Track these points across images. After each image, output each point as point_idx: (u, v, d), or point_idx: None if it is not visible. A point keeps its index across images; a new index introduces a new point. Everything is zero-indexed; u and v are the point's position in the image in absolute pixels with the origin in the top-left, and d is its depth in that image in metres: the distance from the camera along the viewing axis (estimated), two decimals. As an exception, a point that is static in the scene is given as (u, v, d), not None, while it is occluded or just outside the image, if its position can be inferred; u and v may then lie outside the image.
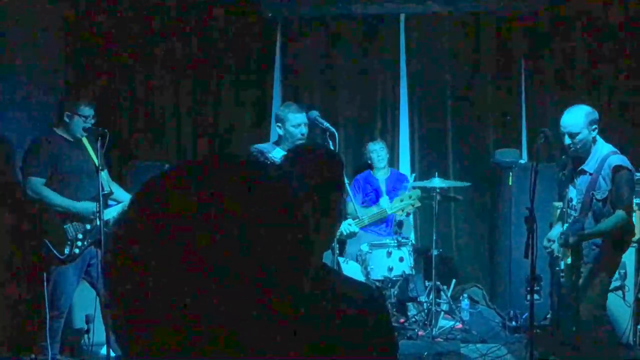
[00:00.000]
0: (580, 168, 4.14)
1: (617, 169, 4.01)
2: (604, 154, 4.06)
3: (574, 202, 4.20)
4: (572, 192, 4.23)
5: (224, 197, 0.75)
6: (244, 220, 0.74)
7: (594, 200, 4.06)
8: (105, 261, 0.78)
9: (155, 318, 0.72)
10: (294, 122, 4.24)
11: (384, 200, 5.79)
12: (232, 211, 0.74)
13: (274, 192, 0.79)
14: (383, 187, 6.06)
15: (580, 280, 4.10)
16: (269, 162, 0.86)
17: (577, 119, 4.03)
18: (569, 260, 4.14)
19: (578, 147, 4.04)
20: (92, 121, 4.53)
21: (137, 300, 0.73)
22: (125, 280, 0.74)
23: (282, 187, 0.80)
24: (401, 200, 5.37)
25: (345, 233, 4.56)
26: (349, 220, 4.73)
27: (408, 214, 5.83)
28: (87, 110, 4.51)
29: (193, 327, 0.71)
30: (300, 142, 4.16)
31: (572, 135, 4.02)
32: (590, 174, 4.07)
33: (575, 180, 4.20)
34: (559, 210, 4.70)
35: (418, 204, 5.41)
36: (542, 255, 4.32)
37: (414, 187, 5.62)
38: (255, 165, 0.82)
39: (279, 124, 4.31)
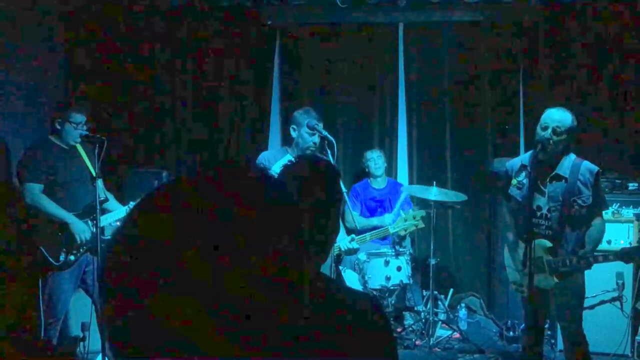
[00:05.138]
0: (554, 173, 3.91)
1: (598, 173, 3.91)
2: (573, 159, 3.92)
3: (544, 211, 3.94)
4: (539, 201, 3.95)
5: (226, 208, 0.76)
6: (245, 230, 0.75)
7: (576, 207, 3.87)
8: (104, 268, 0.78)
9: (154, 326, 0.72)
10: (309, 129, 4.23)
11: (388, 217, 5.77)
12: (234, 221, 0.75)
13: (275, 203, 0.80)
14: (381, 197, 6.05)
15: (556, 298, 3.98)
16: (270, 174, 0.87)
17: (566, 118, 3.84)
18: (552, 283, 3.92)
19: (557, 147, 3.82)
20: (85, 127, 4.52)
21: (137, 307, 0.73)
22: (124, 288, 0.74)
23: (283, 198, 0.82)
24: (405, 220, 5.33)
25: (344, 249, 4.45)
26: (352, 235, 4.68)
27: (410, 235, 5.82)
28: (78, 117, 4.51)
29: (193, 336, 0.71)
30: (310, 150, 4.20)
31: (556, 132, 3.79)
32: (566, 180, 3.89)
33: (542, 187, 3.94)
34: (510, 234, 4.19)
35: (422, 225, 5.35)
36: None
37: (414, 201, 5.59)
38: (258, 177, 0.83)
39: (294, 126, 4.32)
